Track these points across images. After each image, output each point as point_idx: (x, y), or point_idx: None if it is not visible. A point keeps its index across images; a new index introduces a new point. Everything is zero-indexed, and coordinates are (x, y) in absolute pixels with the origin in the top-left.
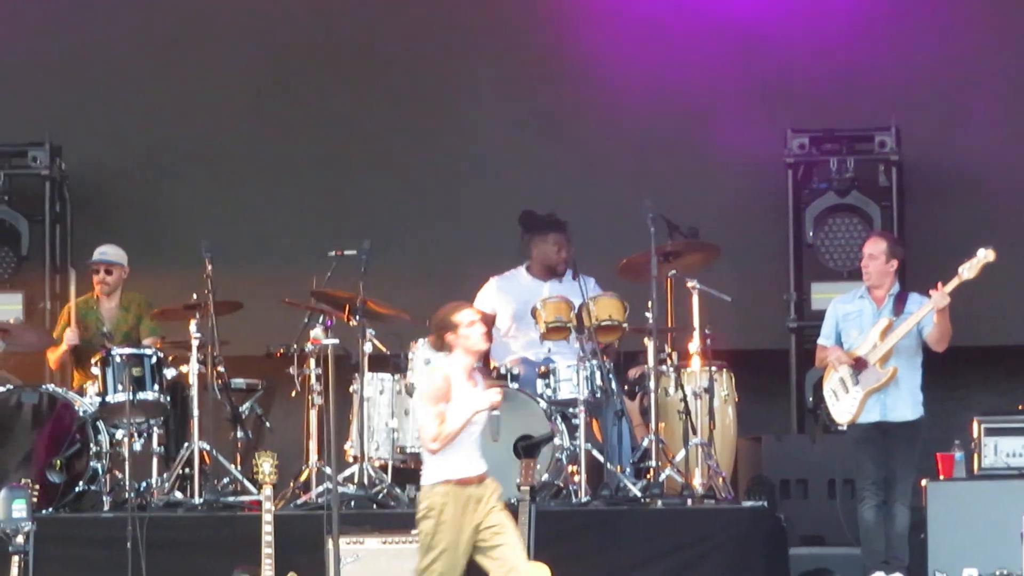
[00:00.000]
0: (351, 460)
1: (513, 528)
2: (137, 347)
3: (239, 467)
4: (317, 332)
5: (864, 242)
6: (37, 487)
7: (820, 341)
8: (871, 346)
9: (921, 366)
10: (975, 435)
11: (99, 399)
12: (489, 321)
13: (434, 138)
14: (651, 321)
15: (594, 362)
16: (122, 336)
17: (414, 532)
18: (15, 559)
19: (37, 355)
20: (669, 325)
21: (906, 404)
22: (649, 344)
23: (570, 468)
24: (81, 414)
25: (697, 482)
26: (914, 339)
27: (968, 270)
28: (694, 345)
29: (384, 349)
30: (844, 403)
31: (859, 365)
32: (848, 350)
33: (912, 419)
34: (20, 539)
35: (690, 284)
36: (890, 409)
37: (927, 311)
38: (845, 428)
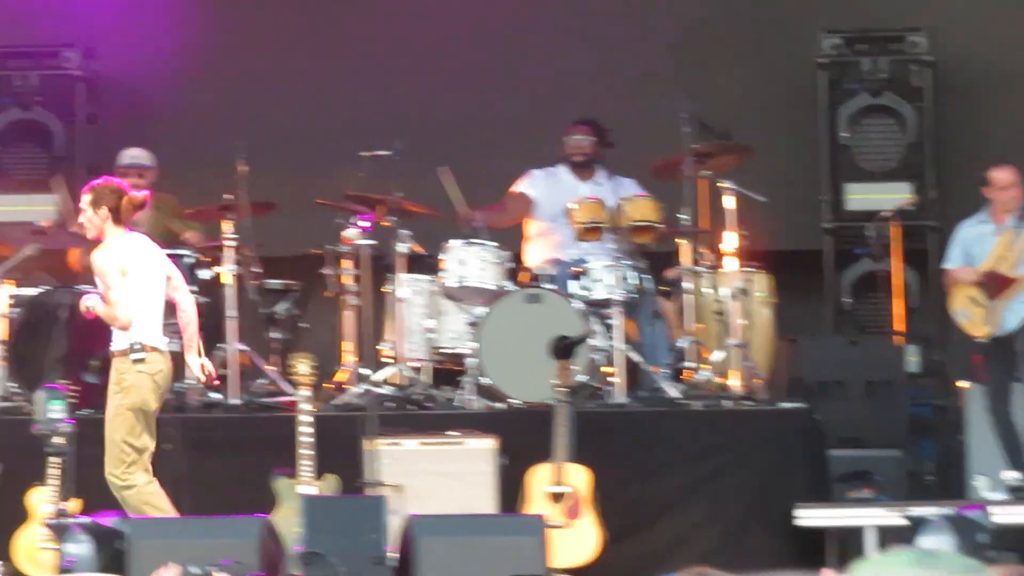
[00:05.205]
0: (387, 361)
1: None
2: (171, 248)
3: (276, 368)
4: (352, 232)
5: (993, 173)
6: (76, 388)
7: (945, 265)
8: (996, 259)
9: None
10: None
11: None
12: (527, 205)
13: (467, 39)
14: (686, 222)
15: (629, 262)
16: (157, 237)
17: (450, 433)
18: (53, 460)
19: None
20: (703, 226)
21: None
22: (684, 245)
23: (606, 369)
24: None
25: (734, 383)
26: None
27: None
28: (730, 246)
29: (419, 250)
30: (980, 318)
31: (988, 278)
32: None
33: None
34: (58, 440)
35: (725, 185)
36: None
37: None
38: (985, 340)
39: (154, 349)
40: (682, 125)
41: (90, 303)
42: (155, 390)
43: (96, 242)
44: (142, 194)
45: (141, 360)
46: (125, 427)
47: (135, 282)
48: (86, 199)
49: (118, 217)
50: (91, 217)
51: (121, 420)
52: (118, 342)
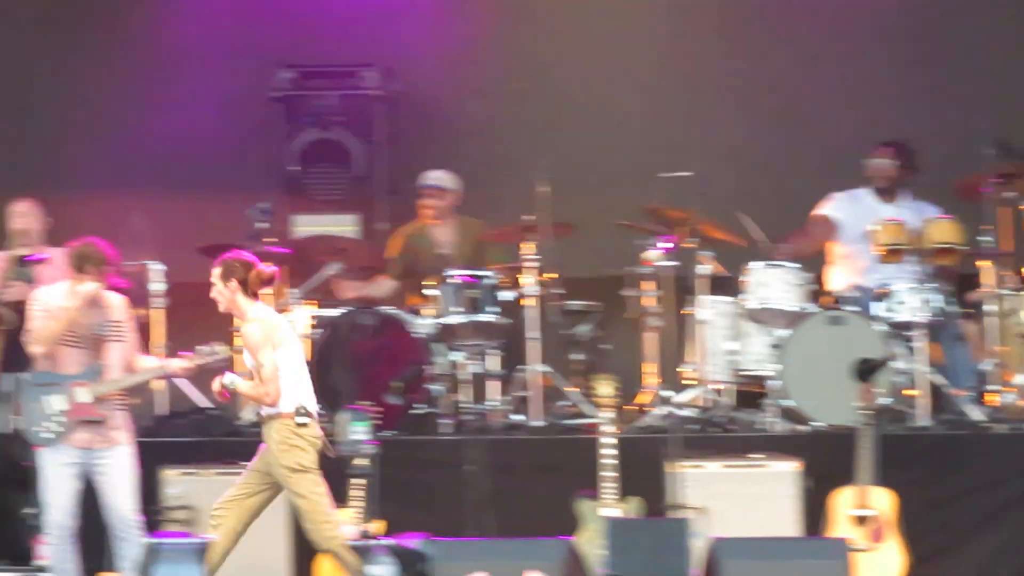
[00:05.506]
0: (689, 383)
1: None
2: (473, 269)
3: (577, 390)
4: (653, 254)
5: None
6: (378, 409)
7: None
8: None
9: None
10: None
11: (437, 321)
12: (830, 228)
13: (770, 58)
14: (988, 244)
15: (932, 285)
16: (460, 259)
17: (753, 455)
18: (356, 481)
19: (373, 277)
20: (1006, 248)
21: None
22: (987, 267)
23: (909, 392)
24: (419, 336)
25: None
26: None
27: None
28: None
29: (721, 271)
30: None
31: None
32: None
33: None
34: (361, 461)
35: None
36: None
37: None
38: None
39: (312, 415)
40: (984, 146)
41: (229, 382)
42: (314, 452)
43: (229, 314)
44: (270, 270)
45: (304, 424)
46: (306, 483)
47: (289, 350)
48: (216, 272)
49: (247, 290)
50: (221, 290)
51: (298, 478)
52: (280, 405)
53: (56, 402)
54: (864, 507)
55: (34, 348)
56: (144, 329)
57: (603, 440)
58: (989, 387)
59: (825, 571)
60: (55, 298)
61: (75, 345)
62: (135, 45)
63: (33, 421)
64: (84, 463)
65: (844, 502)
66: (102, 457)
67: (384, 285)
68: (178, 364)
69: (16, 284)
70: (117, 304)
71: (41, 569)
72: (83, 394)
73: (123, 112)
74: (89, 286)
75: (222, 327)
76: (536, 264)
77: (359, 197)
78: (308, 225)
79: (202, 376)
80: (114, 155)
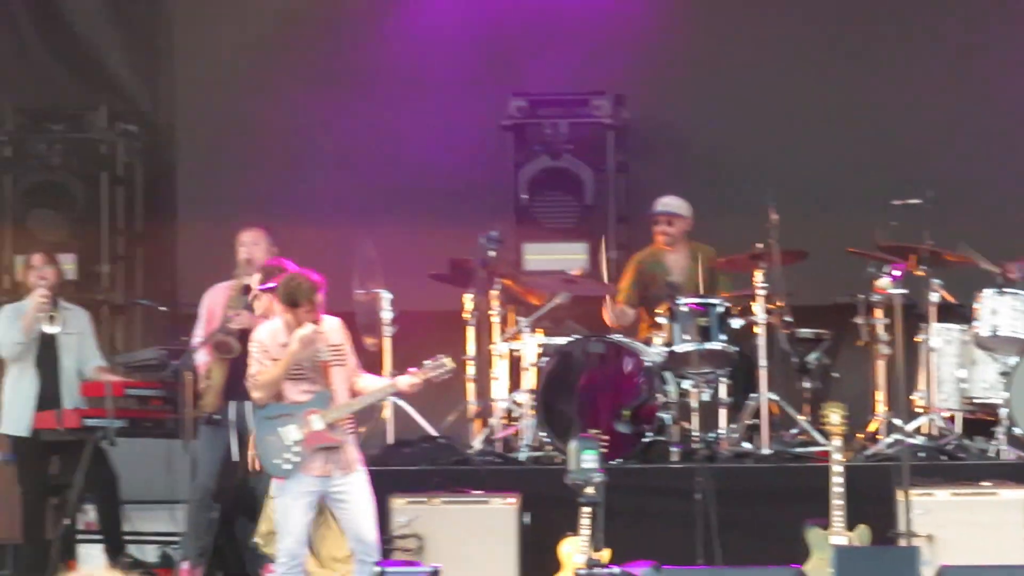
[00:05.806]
0: (919, 411)
1: None
2: (702, 297)
3: (807, 417)
4: (884, 282)
5: None
6: (607, 437)
7: None
8: None
9: None
10: None
11: (666, 349)
12: None
13: (994, 80)
14: None
15: None
16: (691, 286)
17: (983, 483)
18: (585, 509)
19: (603, 304)
20: None
21: None
22: None
23: None
24: (648, 364)
25: None
26: None
27: None
28: None
29: (950, 299)
30: None
31: None
32: None
33: None
34: (590, 490)
35: None
36: None
37: None
38: None
39: None
40: None
41: None
42: None
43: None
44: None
45: None
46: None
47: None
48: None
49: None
50: (266, 304)
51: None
52: None
53: (292, 432)
54: None
55: (256, 395)
56: (375, 357)
57: (832, 468)
58: None
59: None
60: (272, 336)
61: (299, 377)
62: (366, 73)
63: (272, 453)
64: (322, 491)
65: None
66: (340, 483)
67: (623, 313)
68: (406, 380)
69: (242, 313)
70: (333, 327)
71: None
72: (317, 421)
73: (352, 140)
74: (306, 328)
75: (450, 354)
76: (766, 291)
77: (590, 226)
78: (538, 254)
79: (430, 404)
80: (343, 183)
